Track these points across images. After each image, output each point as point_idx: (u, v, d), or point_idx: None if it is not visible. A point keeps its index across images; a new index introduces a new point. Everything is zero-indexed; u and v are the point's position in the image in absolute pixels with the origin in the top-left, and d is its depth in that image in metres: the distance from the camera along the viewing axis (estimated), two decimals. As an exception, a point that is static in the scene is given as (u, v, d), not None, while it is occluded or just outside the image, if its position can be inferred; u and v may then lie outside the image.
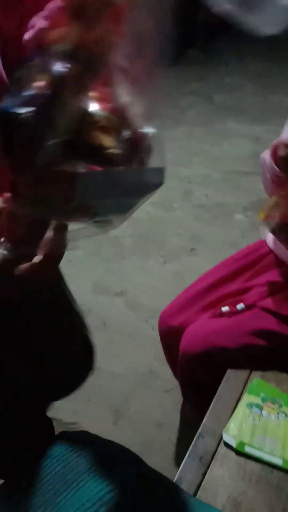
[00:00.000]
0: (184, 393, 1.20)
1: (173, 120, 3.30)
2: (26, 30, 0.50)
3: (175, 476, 0.75)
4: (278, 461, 0.74)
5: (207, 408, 0.84)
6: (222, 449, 0.77)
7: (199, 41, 4.22)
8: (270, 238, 1.06)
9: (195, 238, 2.26)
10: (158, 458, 1.32)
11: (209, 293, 1.08)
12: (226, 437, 0.77)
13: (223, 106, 3.37)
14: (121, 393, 1.51)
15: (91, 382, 0.99)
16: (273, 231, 0.86)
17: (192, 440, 0.80)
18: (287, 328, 0.90)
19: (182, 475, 0.75)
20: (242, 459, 0.76)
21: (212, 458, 0.76)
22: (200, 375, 1.00)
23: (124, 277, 2.01)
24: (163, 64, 0.48)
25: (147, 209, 2.47)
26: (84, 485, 0.58)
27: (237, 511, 0.70)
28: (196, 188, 2.61)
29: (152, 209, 2.47)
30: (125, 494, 0.57)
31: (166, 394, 1.50)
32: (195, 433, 0.81)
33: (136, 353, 1.66)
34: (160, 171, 0.47)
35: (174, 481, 0.74)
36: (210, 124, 3.18)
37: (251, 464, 0.75)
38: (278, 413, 0.80)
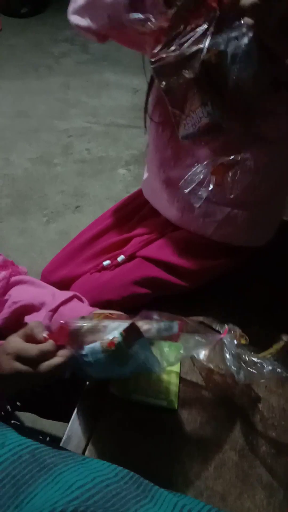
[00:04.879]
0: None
1: (47, 69, 3.08)
2: None
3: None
4: (163, 403, 0.76)
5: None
6: (109, 400, 0.77)
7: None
8: (145, 188, 1.05)
9: (79, 194, 2.20)
10: (49, 422, 1.30)
11: (89, 246, 1.04)
12: (112, 388, 0.77)
13: (99, 56, 3.23)
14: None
15: None
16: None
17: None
18: (166, 274, 0.91)
19: (71, 433, 0.74)
20: (128, 408, 0.76)
21: (99, 411, 0.76)
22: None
23: (2, 240, 1.88)
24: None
25: (24, 165, 2.31)
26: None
27: (126, 456, 0.70)
28: (76, 142, 2.50)
29: (30, 165, 2.31)
30: None
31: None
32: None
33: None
34: None
35: (63, 440, 0.73)
36: (86, 75, 3.04)
37: (137, 411, 0.76)
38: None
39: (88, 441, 0.72)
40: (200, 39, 0.62)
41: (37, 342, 0.59)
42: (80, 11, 0.81)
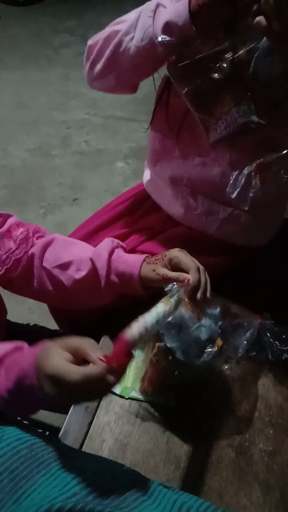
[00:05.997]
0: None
1: (47, 60, 3.05)
2: None
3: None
4: (161, 399, 0.75)
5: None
6: (107, 396, 0.77)
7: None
8: (148, 182, 1.04)
9: (77, 187, 2.18)
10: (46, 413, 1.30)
11: (89, 240, 1.03)
12: (110, 384, 0.76)
13: (100, 47, 3.19)
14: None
15: None
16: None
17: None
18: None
19: (68, 427, 0.73)
20: (126, 403, 0.76)
21: (97, 407, 0.75)
22: (84, 325, 0.97)
23: None
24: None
25: (22, 156, 2.29)
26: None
27: (124, 452, 0.70)
28: (75, 134, 2.48)
29: (28, 156, 2.29)
30: None
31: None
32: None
33: (18, 311, 1.57)
34: None
35: (60, 434, 0.72)
36: (87, 66, 3.01)
37: (136, 407, 0.76)
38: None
39: (86, 437, 0.71)
40: (224, 40, 0.61)
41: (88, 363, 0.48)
42: (101, 76, 0.79)
